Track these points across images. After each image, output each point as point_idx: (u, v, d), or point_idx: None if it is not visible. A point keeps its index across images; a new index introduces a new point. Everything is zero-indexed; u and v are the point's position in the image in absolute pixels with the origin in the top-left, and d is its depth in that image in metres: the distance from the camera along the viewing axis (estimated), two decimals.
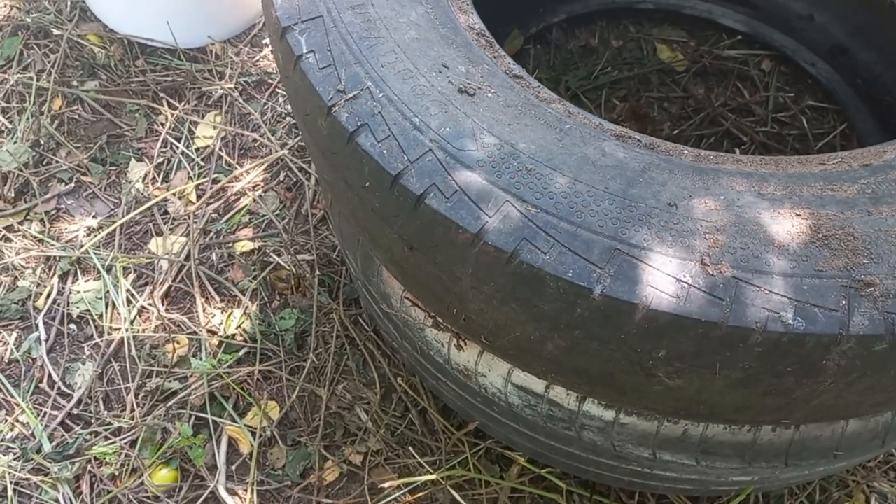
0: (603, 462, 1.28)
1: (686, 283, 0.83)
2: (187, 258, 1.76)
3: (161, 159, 1.91)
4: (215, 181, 1.89)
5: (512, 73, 1.05)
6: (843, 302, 0.81)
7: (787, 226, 0.86)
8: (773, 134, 1.93)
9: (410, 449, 1.55)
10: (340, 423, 1.60)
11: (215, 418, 1.58)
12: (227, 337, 1.67)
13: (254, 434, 1.56)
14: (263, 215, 1.84)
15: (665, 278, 0.83)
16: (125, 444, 1.55)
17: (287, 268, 1.75)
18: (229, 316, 1.70)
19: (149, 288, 1.72)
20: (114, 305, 1.70)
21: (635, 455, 1.19)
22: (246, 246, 1.81)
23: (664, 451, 1.16)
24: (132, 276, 1.75)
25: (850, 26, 1.89)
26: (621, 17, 2.10)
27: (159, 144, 1.93)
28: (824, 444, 1.13)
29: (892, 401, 1.02)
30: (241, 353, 1.65)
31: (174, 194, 1.87)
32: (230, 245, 1.81)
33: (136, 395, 1.61)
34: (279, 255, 1.77)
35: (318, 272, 1.72)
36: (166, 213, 1.85)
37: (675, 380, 0.92)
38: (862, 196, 0.90)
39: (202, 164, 1.92)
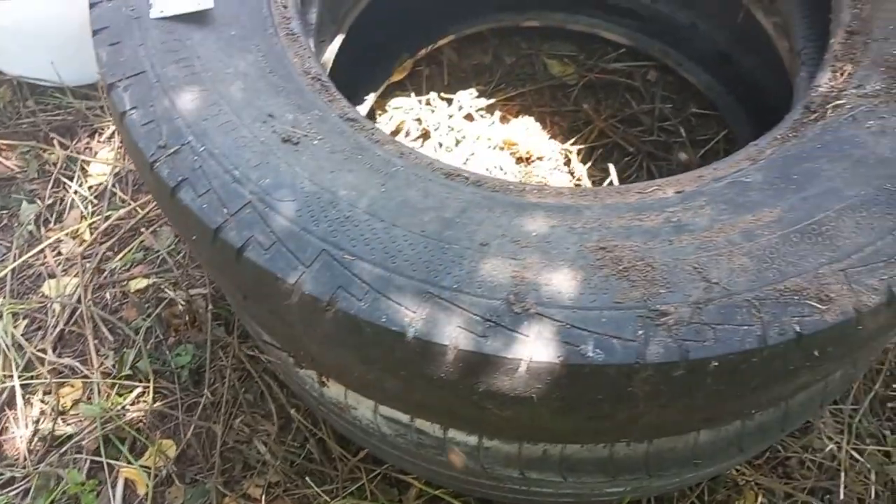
0: (483, 482, 1.31)
1: (492, 322, 0.86)
2: (80, 300, 1.76)
3: (53, 200, 1.90)
4: (108, 219, 1.89)
5: (346, 117, 1.07)
6: (640, 332, 0.84)
7: (590, 259, 0.89)
8: (660, 143, 1.97)
9: (308, 479, 1.56)
10: (239, 458, 1.60)
11: (111, 461, 1.58)
12: (120, 378, 1.67)
13: (150, 474, 1.56)
14: (157, 251, 1.84)
15: (473, 318, 0.86)
16: (18, 493, 1.54)
17: (181, 303, 1.75)
18: (123, 356, 1.69)
19: (41, 333, 1.72)
20: (5, 354, 1.69)
21: (506, 475, 1.22)
22: (140, 283, 1.80)
23: (531, 470, 1.19)
24: (24, 322, 1.74)
25: (732, 34, 1.94)
26: (512, 34, 2.14)
27: (51, 185, 1.92)
28: (681, 454, 1.17)
29: (721, 416, 1.06)
30: (136, 393, 1.65)
31: (67, 234, 1.86)
32: (124, 283, 1.80)
33: (30, 444, 1.60)
34: (174, 291, 1.77)
35: (211, 306, 1.73)
36: (59, 253, 1.85)
37: (504, 411, 0.95)
38: (667, 225, 0.93)
39: (95, 201, 1.92)
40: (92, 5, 1.07)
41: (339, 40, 1.62)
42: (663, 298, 0.86)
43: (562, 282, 0.88)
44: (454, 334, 0.85)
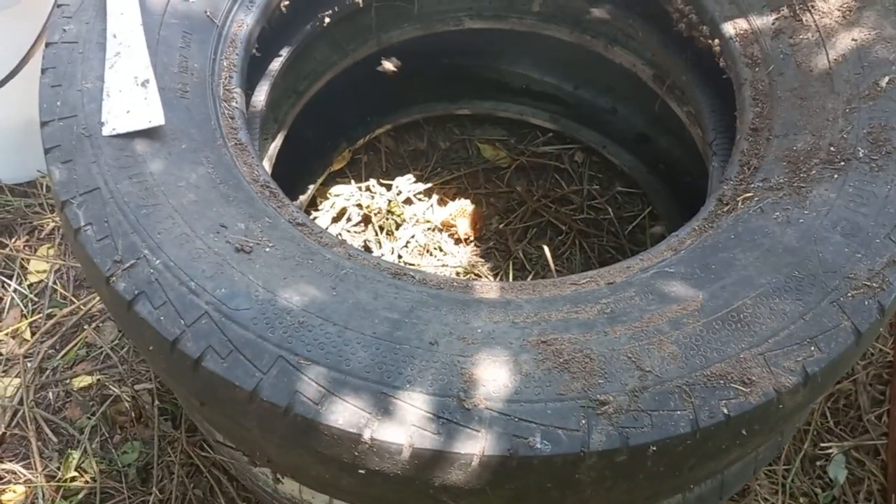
0: None
1: (445, 418, 0.90)
2: (22, 402, 1.72)
3: None
4: (50, 316, 1.87)
5: (295, 222, 1.12)
6: (583, 422, 0.90)
7: (533, 353, 0.96)
8: (591, 220, 2.08)
9: None
10: None
11: None
12: (65, 480, 1.63)
13: None
14: (100, 347, 1.82)
15: (426, 416, 0.90)
16: None
17: (126, 399, 1.74)
18: (67, 458, 1.66)
19: None
20: None
21: None
22: (84, 381, 1.78)
23: None
24: None
25: (650, 117, 2.08)
26: (446, 121, 2.24)
27: None
28: None
29: (662, 493, 1.12)
30: (82, 495, 1.62)
31: (7, 334, 1.84)
32: (67, 381, 1.78)
33: None
34: (118, 387, 1.76)
35: (157, 401, 1.72)
36: (0, 354, 1.82)
37: (459, 502, 0.98)
38: (601, 316, 1.00)
39: (36, 299, 1.90)
40: (44, 124, 1.10)
41: (281, 136, 1.68)
42: (602, 388, 0.92)
43: (508, 377, 0.93)
44: (409, 433, 0.90)
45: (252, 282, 1.00)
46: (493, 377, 0.93)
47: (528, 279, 1.97)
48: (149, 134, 1.10)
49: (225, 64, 1.25)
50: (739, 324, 0.97)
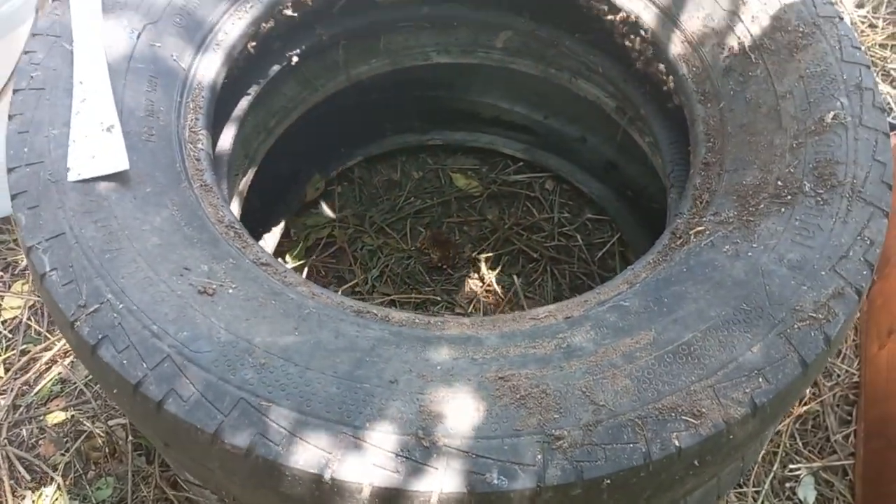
0: None
1: (404, 457, 0.92)
2: None
3: None
4: (24, 352, 1.88)
5: (259, 262, 1.14)
6: (539, 457, 0.93)
7: (490, 390, 0.98)
8: (562, 247, 2.11)
9: None
10: None
11: None
12: None
13: None
14: (74, 383, 1.83)
15: (386, 455, 0.92)
16: None
17: (100, 435, 1.75)
18: (40, 496, 1.67)
19: None
20: None
21: None
22: (58, 417, 1.79)
23: None
24: None
25: (617, 145, 2.12)
26: (418, 151, 2.27)
27: None
28: None
29: None
30: None
31: None
32: (41, 418, 1.79)
33: None
34: (92, 423, 1.76)
35: (131, 437, 1.73)
36: None
37: None
38: (557, 351, 1.03)
39: (10, 336, 1.91)
40: (10, 170, 1.12)
41: (251, 172, 1.71)
42: (557, 423, 0.95)
43: (466, 413, 0.96)
44: (369, 472, 0.92)
45: (214, 324, 1.02)
46: (452, 414, 0.95)
47: (501, 307, 2.00)
48: (114, 178, 1.12)
49: (191, 106, 1.28)
50: (690, 357, 1.00)
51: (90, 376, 1.85)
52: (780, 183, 1.18)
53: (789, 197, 1.15)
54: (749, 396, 0.97)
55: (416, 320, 1.10)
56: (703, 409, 0.96)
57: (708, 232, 1.15)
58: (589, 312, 1.09)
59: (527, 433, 0.94)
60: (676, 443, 0.94)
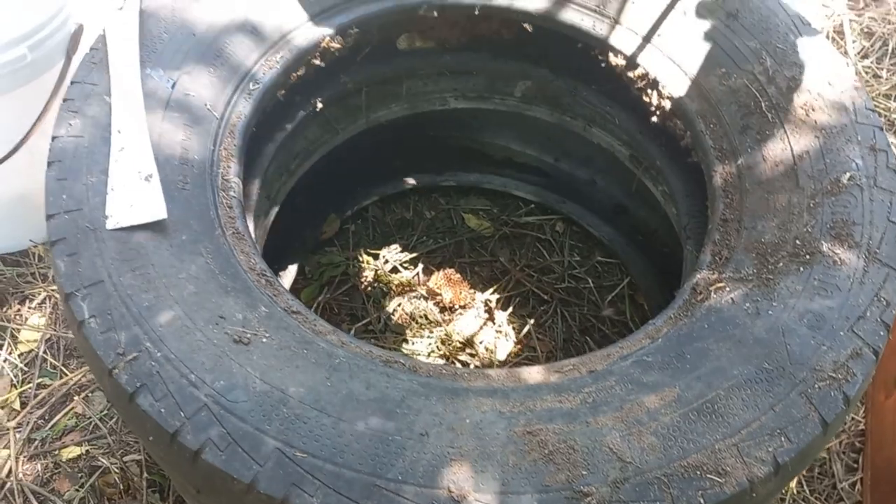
0: None
1: None
2: (9, 474, 1.73)
3: None
4: (40, 386, 1.89)
5: (290, 310, 1.16)
6: None
7: (519, 444, 1.00)
8: (572, 289, 2.14)
9: None
10: None
11: None
12: None
13: None
14: (89, 417, 1.84)
15: None
16: None
17: (115, 471, 1.76)
18: None
19: None
20: None
21: None
22: (73, 452, 1.80)
23: None
24: None
25: (627, 189, 2.16)
26: (431, 191, 2.31)
27: None
28: None
29: None
30: None
31: None
32: (56, 452, 1.79)
33: None
34: (107, 459, 1.77)
35: (145, 473, 1.73)
36: None
37: None
38: (584, 406, 1.05)
39: (26, 369, 1.92)
40: (49, 216, 1.15)
41: (273, 212, 1.74)
42: (585, 480, 0.97)
43: (495, 468, 0.98)
44: None
45: (250, 373, 1.04)
46: (482, 468, 0.98)
47: (511, 347, 2.02)
48: (151, 227, 1.15)
49: (223, 154, 1.31)
50: (714, 414, 1.03)
51: (105, 411, 1.86)
52: (798, 242, 1.21)
53: (808, 256, 1.19)
54: (772, 455, 1.00)
55: (444, 371, 1.12)
56: (728, 468, 0.98)
57: (728, 288, 1.19)
58: (612, 367, 1.12)
59: (555, 489, 0.96)
60: (701, 501, 0.96)
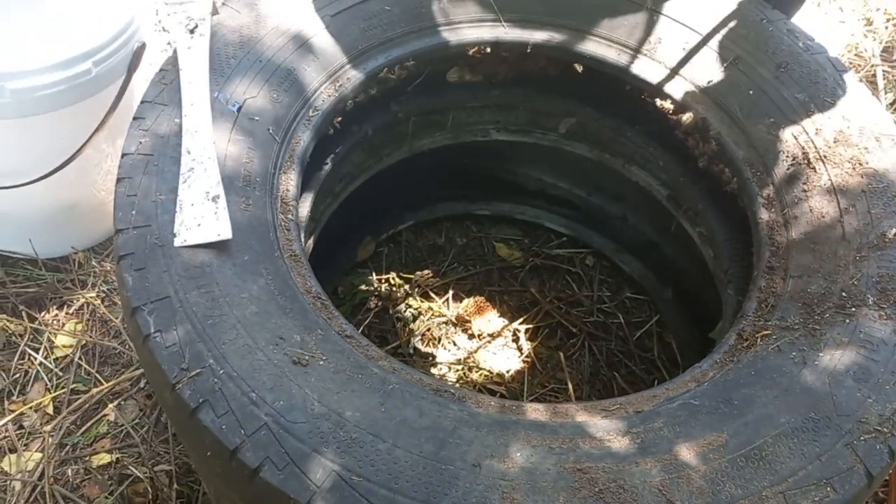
0: None
1: None
2: (41, 477, 1.75)
3: (18, 373, 1.92)
4: (74, 392, 1.92)
5: (344, 334, 1.19)
6: None
7: (570, 481, 1.02)
8: (600, 323, 2.16)
9: None
10: None
11: None
12: None
13: None
14: (122, 425, 1.86)
15: None
16: None
17: (145, 480, 1.77)
18: None
19: None
20: None
21: None
22: (103, 459, 1.82)
23: None
24: None
25: (659, 225, 2.18)
26: (464, 219, 2.34)
27: (17, 357, 1.94)
28: None
29: None
30: None
31: (30, 408, 1.88)
32: (87, 459, 1.81)
33: None
34: (137, 468, 1.79)
35: (175, 484, 1.75)
36: (21, 427, 1.85)
37: None
38: (632, 446, 1.08)
39: (61, 374, 1.95)
40: (118, 231, 1.18)
41: (316, 234, 1.77)
42: None
43: (546, 503, 1.00)
44: None
45: (308, 395, 1.07)
46: (534, 502, 0.99)
47: (538, 378, 2.04)
48: (216, 246, 1.18)
49: (283, 178, 1.34)
50: (761, 461, 1.05)
51: (137, 420, 1.88)
52: (844, 294, 1.23)
53: (853, 309, 1.21)
54: None
55: (492, 403, 1.15)
56: None
57: (774, 336, 1.21)
58: (660, 408, 1.14)
59: None
60: None
